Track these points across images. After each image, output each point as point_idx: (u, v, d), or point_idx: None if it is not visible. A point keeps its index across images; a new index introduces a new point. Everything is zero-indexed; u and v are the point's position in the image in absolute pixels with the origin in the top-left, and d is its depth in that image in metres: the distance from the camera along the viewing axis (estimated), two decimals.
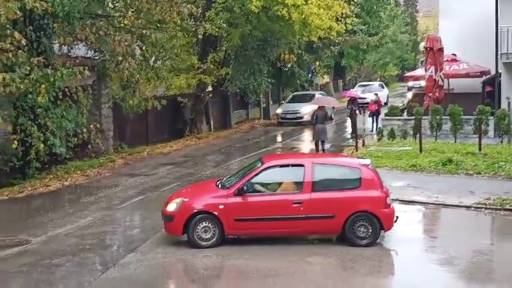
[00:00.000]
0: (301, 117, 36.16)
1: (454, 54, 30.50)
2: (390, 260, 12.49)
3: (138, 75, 22.55)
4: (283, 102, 41.55)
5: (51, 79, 17.27)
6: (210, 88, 33.69)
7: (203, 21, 28.44)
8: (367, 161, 13.33)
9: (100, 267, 11.73)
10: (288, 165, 13.34)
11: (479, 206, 15.60)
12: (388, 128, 27.57)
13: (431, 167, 20.09)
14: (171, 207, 12.65)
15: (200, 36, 30.81)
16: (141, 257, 11.92)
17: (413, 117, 26.85)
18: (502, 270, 11.75)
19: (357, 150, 23.76)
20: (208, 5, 29.39)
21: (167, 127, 30.36)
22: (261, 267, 11.32)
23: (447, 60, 29.32)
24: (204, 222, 12.32)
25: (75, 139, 20.43)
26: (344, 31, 38.25)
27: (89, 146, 21.71)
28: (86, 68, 18.81)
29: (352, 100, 31.02)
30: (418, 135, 24.15)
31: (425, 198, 16.49)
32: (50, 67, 18.12)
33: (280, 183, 12.90)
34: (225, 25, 29.24)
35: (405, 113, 30.65)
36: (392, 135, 26.44)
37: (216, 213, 12.30)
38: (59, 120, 19.23)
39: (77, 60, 20.71)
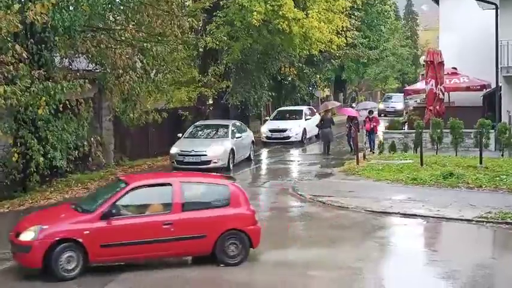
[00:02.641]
0: (208, 162, 23.99)
1: (455, 68, 30.52)
2: (392, 274, 12.41)
3: (138, 88, 22.51)
4: (183, 135, 27.05)
5: (52, 92, 17.24)
6: (210, 101, 33.71)
7: (204, 34, 28.49)
8: (233, 179, 13.30)
9: (99, 283, 11.63)
10: (155, 185, 12.66)
11: (480, 219, 15.56)
12: (389, 141, 27.57)
13: (432, 180, 20.06)
14: (28, 236, 11.34)
15: (201, 50, 30.84)
16: (140, 272, 11.85)
17: (414, 131, 26.82)
18: (504, 285, 11.71)
19: (357, 163, 23.78)
20: (209, 19, 29.46)
21: (168, 140, 30.29)
22: None
23: (447, 74, 29.34)
24: (67, 251, 11.24)
25: (76, 152, 20.40)
26: (344, 44, 38.35)
27: (90, 159, 21.71)
28: (87, 81, 18.80)
29: (351, 118, 30.39)
30: (419, 149, 24.13)
31: (426, 212, 16.43)
32: (50, 80, 18.09)
33: (148, 205, 12.26)
34: (225, 38, 29.28)
35: (406, 126, 30.64)
36: (393, 148, 26.45)
37: (80, 240, 11.27)
38: (60, 133, 19.18)
39: (78, 73, 20.71)
